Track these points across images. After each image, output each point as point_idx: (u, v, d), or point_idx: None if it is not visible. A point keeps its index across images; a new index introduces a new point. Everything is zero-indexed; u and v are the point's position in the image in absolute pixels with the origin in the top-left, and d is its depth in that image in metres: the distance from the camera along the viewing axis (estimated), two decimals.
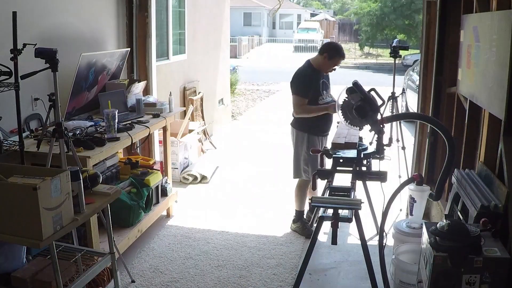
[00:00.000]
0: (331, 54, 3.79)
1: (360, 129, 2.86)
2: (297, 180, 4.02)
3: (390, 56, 4.72)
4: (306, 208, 4.17)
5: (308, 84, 3.79)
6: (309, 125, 3.85)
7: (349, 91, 2.77)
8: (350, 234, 4.03)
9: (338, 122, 3.71)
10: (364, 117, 2.70)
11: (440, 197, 2.90)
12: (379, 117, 2.75)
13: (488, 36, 2.66)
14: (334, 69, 3.90)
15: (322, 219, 2.75)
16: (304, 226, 4.05)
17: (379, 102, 2.81)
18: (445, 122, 3.86)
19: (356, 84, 2.75)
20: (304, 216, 4.13)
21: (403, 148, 4.69)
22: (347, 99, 2.81)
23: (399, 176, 4.64)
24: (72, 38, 3.80)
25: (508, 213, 2.19)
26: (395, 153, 4.62)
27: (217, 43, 7.89)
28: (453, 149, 2.60)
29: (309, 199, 2.69)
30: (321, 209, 2.79)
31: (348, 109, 2.80)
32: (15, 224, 2.03)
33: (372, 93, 2.78)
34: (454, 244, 2.06)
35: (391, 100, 4.67)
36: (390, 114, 4.54)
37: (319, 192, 3.82)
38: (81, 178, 2.30)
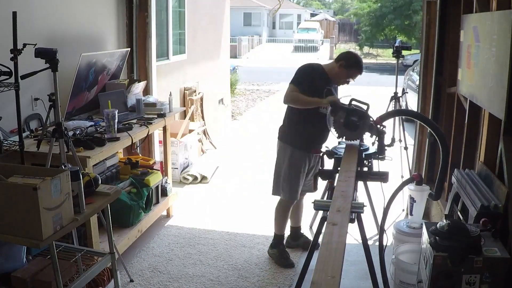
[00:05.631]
0: (349, 63, 3.25)
1: (361, 138, 2.92)
2: (277, 197, 3.61)
3: (393, 56, 4.73)
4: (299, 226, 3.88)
5: (310, 79, 3.24)
6: (296, 138, 3.35)
7: (332, 112, 2.89)
8: (350, 234, 4.03)
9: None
10: (356, 129, 2.74)
11: (439, 196, 2.90)
12: (372, 120, 2.77)
13: (488, 36, 2.66)
14: (347, 82, 3.33)
15: (324, 220, 2.75)
16: (281, 255, 3.57)
17: (364, 107, 2.87)
18: (445, 122, 3.86)
19: (333, 104, 2.87)
20: (284, 242, 3.68)
21: (406, 148, 4.69)
22: (336, 120, 2.88)
23: (402, 176, 4.64)
24: (72, 38, 3.80)
25: (508, 213, 2.19)
26: (397, 153, 4.62)
27: (217, 43, 7.89)
28: (445, 145, 2.60)
29: (312, 202, 2.68)
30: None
31: (341, 128, 2.87)
32: (15, 224, 2.03)
33: (354, 103, 2.84)
34: (454, 244, 2.05)
35: (394, 100, 4.68)
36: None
37: (319, 192, 3.81)
38: (81, 179, 2.30)
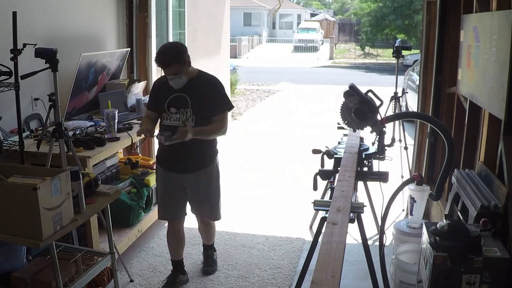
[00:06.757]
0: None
1: (361, 129, 2.86)
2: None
3: (393, 56, 4.73)
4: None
5: None
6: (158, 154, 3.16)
7: (346, 94, 2.77)
8: (350, 234, 4.03)
9: (338, 123, 3.63)
10: (363, 119, 2.70)
11: (440, 197, 2.89)
12: (379, 117, 2.75)
13: (488, 36, 2.66)
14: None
15: (324, 220, 2.74)
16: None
17: (378, 102, 2.81)
18: (445, 122, 3.86)
19: (352, 87, 2.74)
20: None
21: (406, 148, 4.69)
22: (345, 103, 2.80)
23: (402, 176, 4.64)
24: (72, 38, 3.80)
25: (508, 213, 2.19)
26: (397, 153, 4.62)
27: (217, 43, 7.89)
28: (452, 149, 2.60)
29: (312, 202, 2.68)
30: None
31: (347, 112, 2.80)
32: (15, 224, 2.03)
33: (370, 94, 2.78)
34: (454, 244, 2.05)
35: (394, 100, 4.68)
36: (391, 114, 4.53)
37: (319, 192, 3.81)
38: (81, 179, 2.30)
